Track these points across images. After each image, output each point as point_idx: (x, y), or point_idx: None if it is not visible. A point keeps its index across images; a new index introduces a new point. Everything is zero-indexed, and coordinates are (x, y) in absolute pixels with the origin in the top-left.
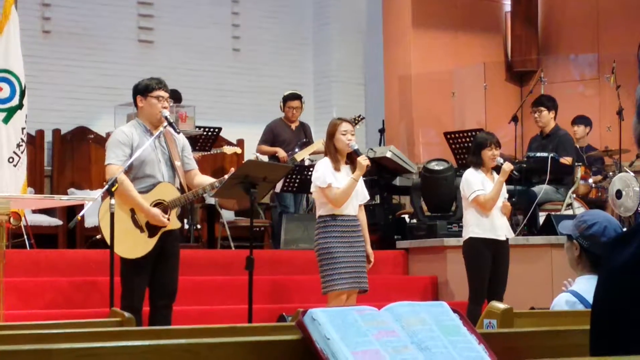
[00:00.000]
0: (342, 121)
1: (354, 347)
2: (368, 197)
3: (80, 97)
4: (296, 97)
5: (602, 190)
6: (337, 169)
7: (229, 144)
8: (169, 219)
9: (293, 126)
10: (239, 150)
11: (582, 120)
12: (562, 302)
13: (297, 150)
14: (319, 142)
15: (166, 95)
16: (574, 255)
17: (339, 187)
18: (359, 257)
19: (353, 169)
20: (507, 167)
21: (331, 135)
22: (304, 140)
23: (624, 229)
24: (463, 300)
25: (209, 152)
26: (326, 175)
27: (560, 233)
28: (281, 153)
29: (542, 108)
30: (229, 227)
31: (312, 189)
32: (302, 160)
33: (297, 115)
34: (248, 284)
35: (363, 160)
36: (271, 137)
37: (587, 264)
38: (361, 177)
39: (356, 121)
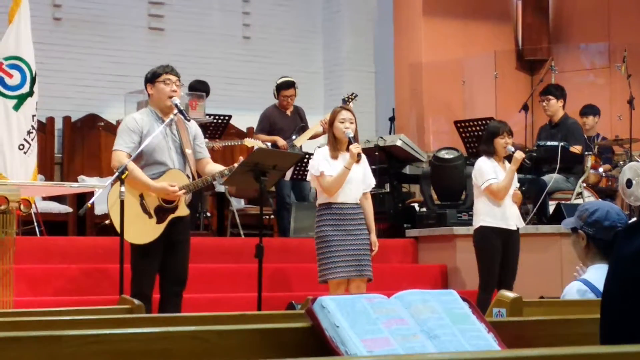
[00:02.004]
0: (342, 109)
1: (364, 335)
2: (373, 184)
3: (90, 84)
4: (290, 85)
5: (612, 179)
6: (334, 156)
7: (239, 132)
8: (177, 204)
9: (288, 112)
10: (260, 144)
11: (589, 110)
12: (573, 291)
13: (294, 136)
14: (317, 126)
15: (175, 78)
16: (582, 246)
17: (332, 175)
18: (358, 244)
19: None
20: (519, 155)
21: (331, 122)
22: (301, 125)
23: (633, 218)
24: (473, 289)
25: (229, 144)
26: (320, 163)
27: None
28: (280, 141)
29: (550, 97)
30: (239, 215)
31: (308, 178)
32: (300, 147)
33: (292, 103)
34: (258, 271)
35: (354, 148)
36: (268, 125)
37: (597, 252)
38: (367, 163)
39: (349, 99)
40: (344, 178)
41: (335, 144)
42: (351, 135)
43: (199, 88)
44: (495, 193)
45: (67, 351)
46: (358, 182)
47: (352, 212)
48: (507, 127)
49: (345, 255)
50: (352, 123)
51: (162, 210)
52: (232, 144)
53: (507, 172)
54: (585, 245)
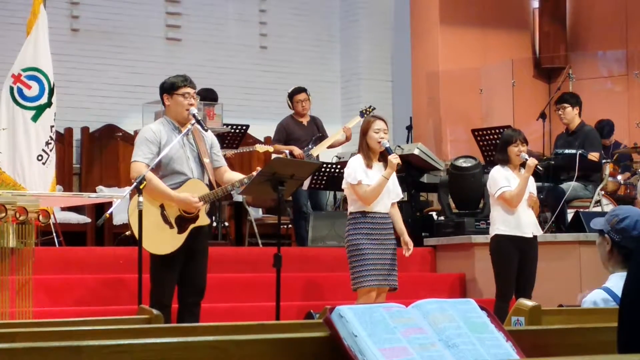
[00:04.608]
0: (376, 119)
1: (382, 344)
2: (401, 195)
3: (108, 95)
4: (301, 90)
5: (631, 187)
6: (369, 166)
7: (257, 141)
8: (198, 214)
9: (304, 122)
10: (271, 149)
11: (605, 130)
12: (597, 299)
13: (311, 146)
14: (339, 132)
15: (192, 91)
16: (605, 250)
17: (369, 185)
18: (388, 254)
19: (386, 167)
20: (532, 162)
21: (364, 132)
22: (318, 134)
23: None
24: (491, 298)
25: (241, 151)
26: (357, 172)
27: (591, 229)
28: (297, 151)
29: (566, 105)
30: (257, 225)
31: (344, 185)
32: (317, 156)
33: (307, 107)
34: (276, 281)
35: (394, 159)
36: (284, 135)
37: (619, 259)
38: (394, 174)
39: (367, 112)
40: (382, 187)
41: (369, 154)
42: (387, 145)
43: (207, 96)
44: (508, 200)
45: None
46: (390, 192)
47: (384, 221)
48: (520, 135)
49: (377, 264)
50: (386, 133)
51: (183, 220)
52: (244, 150)
53: (520, 179)
54: (609, 250)
